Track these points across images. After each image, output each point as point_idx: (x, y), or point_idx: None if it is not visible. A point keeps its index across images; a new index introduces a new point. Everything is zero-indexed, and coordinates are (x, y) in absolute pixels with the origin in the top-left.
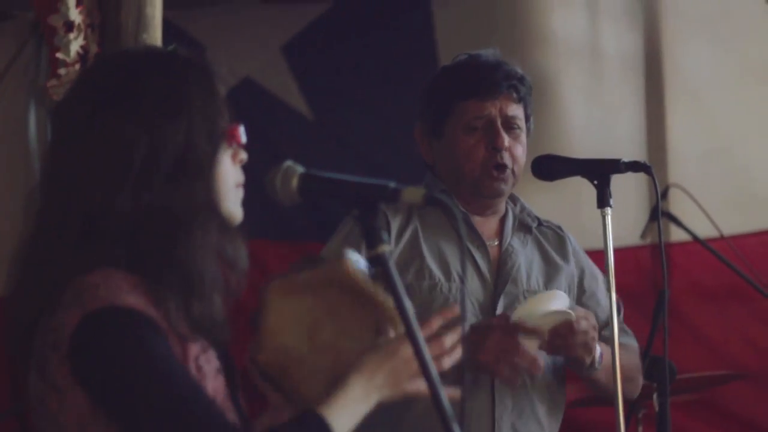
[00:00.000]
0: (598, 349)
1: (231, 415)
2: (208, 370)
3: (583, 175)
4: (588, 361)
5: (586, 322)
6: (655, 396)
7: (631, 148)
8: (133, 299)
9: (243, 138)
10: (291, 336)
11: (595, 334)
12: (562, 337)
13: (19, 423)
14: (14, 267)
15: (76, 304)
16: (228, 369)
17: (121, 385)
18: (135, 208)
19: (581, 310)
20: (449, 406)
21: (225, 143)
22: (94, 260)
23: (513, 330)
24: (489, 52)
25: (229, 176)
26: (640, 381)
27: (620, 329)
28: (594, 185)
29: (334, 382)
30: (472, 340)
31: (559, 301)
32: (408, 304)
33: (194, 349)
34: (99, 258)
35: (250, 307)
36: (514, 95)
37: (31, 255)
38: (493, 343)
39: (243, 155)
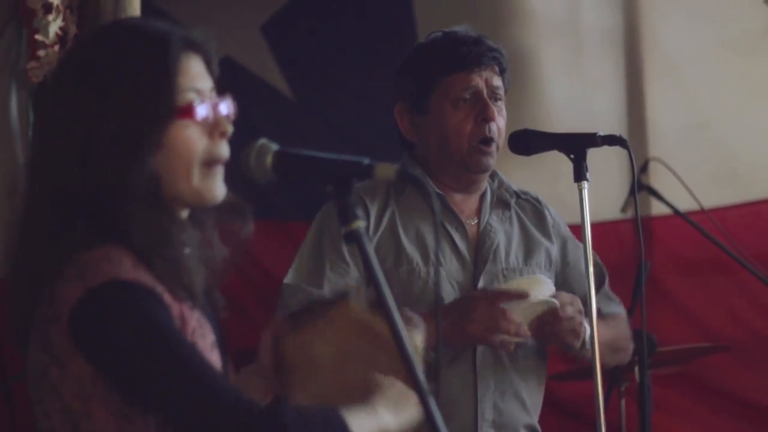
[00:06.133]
0: (587, 329)
1: None
2: (203, 345)
3: (560, 149)
4: (578, 344)
5: (571, 308)
6: (636, 369)
7: (611, 123)
8: (137, 274)
9: (199, 114)
10: (322, 345)
11: (582, 318)
12: (548, 324)
13: (5, 400)
14: (10, 248)
15: (78, 278)
16: (221, 345)
17: (128, 356)
18: (85, 188)
19: (566, 296)
20: (425, 384)
21: (178, 119)
22: (90, 237)
23: (497, 298)
24: (463, 28)
25: (188, 152)
26: (631, 347)
27: (607, 298)
28: (570, 159)
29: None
30: (458, 313)
31: (542, 288)
32: (383, 281)
33: (192, 323)
34: (97, 234)
35: (233, 288)
36: (496, 67)
37: (23, 235)
38: (479, 313)
39: (223, 128)
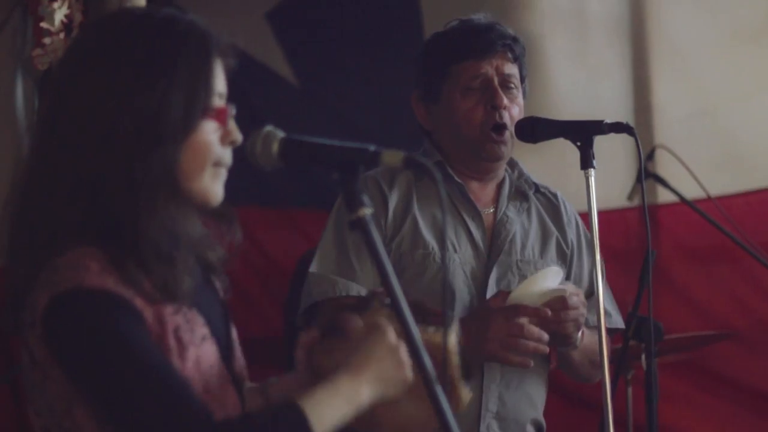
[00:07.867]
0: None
1: (221, 382)
2: (189, 340)
3: (566, 137)
4: (576, 336)
5: (577, 298)
6: (643, 357)
7: (617, 111)
8: (103, 280)
9: (229, 121)
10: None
11: (584, 311)
12: (554, 312)
13: (11, 390)
14: (6, 239)
15: (47, 284)
16: (222, 336)
17: (90, 366)
18: (97, 176)
19: (572, 287)
20: (432, 372)
21: (207, 119)
22: (70, 238)
23: (514, 313)
24: (480, 16)
25: (207, 153)
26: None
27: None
28: (577, 147)
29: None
30: (476, 329)
31: (553, 279)
32: (389, 268)
33: (173, 320)
34: (74, 235)
35: (238, 277)
36: (509, 54)
37: (16, 228)
38: (495, 331)
39: (235, 137)
